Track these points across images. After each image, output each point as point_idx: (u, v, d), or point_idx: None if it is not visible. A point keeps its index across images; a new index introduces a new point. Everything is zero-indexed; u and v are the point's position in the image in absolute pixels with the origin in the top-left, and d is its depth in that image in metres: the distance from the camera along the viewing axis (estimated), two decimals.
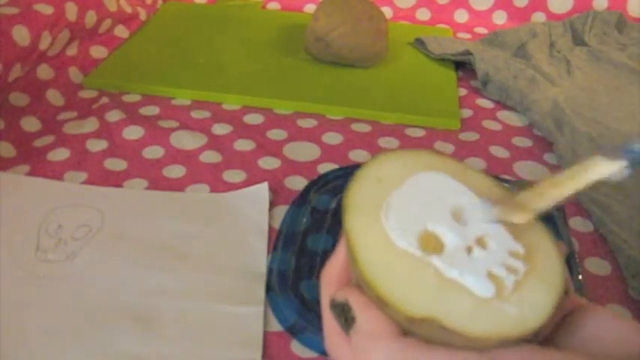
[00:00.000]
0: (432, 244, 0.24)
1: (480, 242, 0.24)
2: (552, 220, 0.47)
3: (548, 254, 0.25)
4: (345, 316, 0.24)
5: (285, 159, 0.57)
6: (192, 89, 0.66)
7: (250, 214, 0.49)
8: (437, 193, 0.26)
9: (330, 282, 0.27)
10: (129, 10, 0.78)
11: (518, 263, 0.24)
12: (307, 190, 0.51)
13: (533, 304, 0.23)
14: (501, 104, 0.68)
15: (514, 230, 0.25)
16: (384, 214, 0.25)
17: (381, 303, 0.23)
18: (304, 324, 0.39)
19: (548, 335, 0.24)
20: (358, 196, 0.25)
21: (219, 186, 0.53)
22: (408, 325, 0.22)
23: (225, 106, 0.65)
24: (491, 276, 0.23)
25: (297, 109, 0.65)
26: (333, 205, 0.50)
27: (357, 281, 0.25)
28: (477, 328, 0.22)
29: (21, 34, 0.59)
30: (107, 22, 0.73)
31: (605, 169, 0.23)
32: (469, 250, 0.24)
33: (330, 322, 0.26)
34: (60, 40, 0.65)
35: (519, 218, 0.25)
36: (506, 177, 0.54)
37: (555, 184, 0.24)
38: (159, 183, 0.53)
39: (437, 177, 0.26)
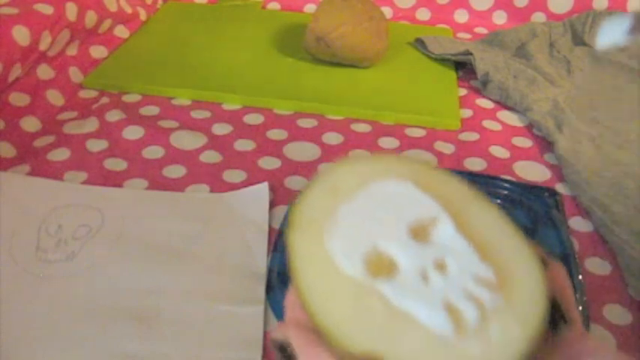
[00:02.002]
0: (383, 266, 0.21)
1: (440, 266, 0.21)
2: (552, 220, 0.47)
3: (527, 278, 0.20)
4: (285, 355, 0.21)
5: (285, 159, 0.57)
6: (192, 89, 0.66)
7: (250, 214, 0.49)
8: (395, 206, 0.22)
9: (292, 305, 0.23)
10: (129, 10, 0.78)
11: (484, 291, 0.20)
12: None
13: (503, 342, 0.19)
14: (501, 104, 0.68)
15: (486, 249, 0.21)
16: (329, 230, 0.21)
17: (322, 336, 0.20)
18: None
19: None
20: (306, 211, 0.22)
21: (219, 186, 0.53)
22: None
23: (225, 106, 0.65)
24: (448, 307, 0.19)
25: (297, 109, 0.65)
26: None
27: None
28: None
29: (21, 34, 0.59)
30: (107, 22, 0.73)
31: None
32: (425, 274, 0.20)
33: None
34: (60, 40, 0.65)
35: None
36: (507, 177, 0.54)
37: None
38: (159, 183, 0.53)
39: (398, 185, 0.23)
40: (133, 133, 0.59)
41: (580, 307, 0.41)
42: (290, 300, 0.24)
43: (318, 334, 0.20)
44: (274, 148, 0.58)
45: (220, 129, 0.60)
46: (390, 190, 0.22)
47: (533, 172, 0.57)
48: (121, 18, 0.76)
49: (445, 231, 0.21)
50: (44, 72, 0.64)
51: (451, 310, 0.19)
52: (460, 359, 0.18)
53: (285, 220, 0.48)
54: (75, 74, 0.67)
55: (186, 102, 0.65)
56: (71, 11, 0.65)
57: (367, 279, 0.20)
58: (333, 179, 0.23)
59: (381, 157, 0.24)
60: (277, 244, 0.46)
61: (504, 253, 0.21)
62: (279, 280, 0.43)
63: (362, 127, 0.62)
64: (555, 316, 0.21)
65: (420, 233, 0.21)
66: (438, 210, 0.22)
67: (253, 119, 0.63)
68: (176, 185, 0.53)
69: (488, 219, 0.22)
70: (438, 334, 0.19)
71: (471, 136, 0.61)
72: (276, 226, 0.48)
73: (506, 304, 0.20)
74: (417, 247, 0.21)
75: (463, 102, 0.68)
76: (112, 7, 0.73)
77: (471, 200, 0.23)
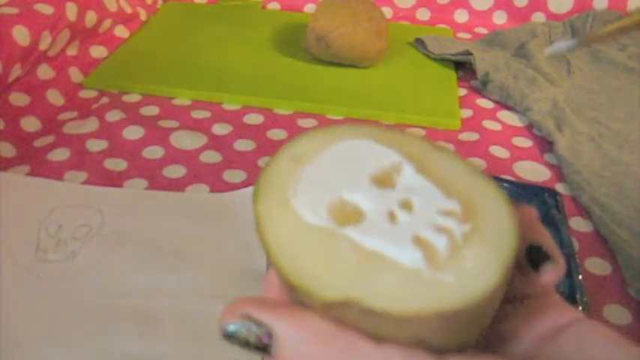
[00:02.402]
0: (350, 215, 0.20)
1: (406, 205, 0.20)
2: (552, 220, 0.47)
3: (495, 211, 0.20)
4: (253, 338, 0.19)
5: None
6: (192, 89, 0.66)
7: (250, 214, 0.48)
8: (357, 160, 0.22)
9: (267, 286, 0.22)
10: (129, 10, 0.78)
11: (452, 222, 0.20)
12: None
13: (477, 269, 0.19)
14: (501, 104, 0.68)
15: (449, 186, 0.21)
16: (293, 190, 0.21)
17: (294, 291, 0.19)
18: None
19: (535, 349, 0.21)
20: (270, 179, 0.22)
21: (219, 186, 0.53)
22: (327, 313, 0.19)
23: (225, 106, 0.65)
24: (418, 241, 0.19)
25: (297, 109, 0.65)
26: None
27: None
28: (406, 305, 0.18)
29: (21, 34, 0.59)
30: (107, 22, 0.73)
31: None
32: (392, 216, 0.20)
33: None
34: (60, 40, 0.65)
35: None
36: (507, 177, 0.54)
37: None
38: (159, 183, 0.53)
39: (359, 143, 0.23)
40: (133, 133, 0.59)
41: (580, 307, 0.41)
42: (266, 282, 0.22)
43: (289, 293, 0.20)
44: (274, 148, 0.58)
45: (220, 129, 0.60)
46: (352, 148, 0.22)
47: (533, 172, 0.57)
48: (121, 18, 0.76)
49: (408, 175, 0.21)
50: (44, 72, 0.64)
51: (421, 243, 0.19)
52: (436, 290, 0.18)
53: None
54: (75, 74, 0.67)
55: (186, 102, 0.65)
56: (71, 11, 0.65)
57: (334, 227, 0.20)
58: (296, 149, 0.23)
59: (343, 125, 0.24)
60: None
61: (469, 190, 0.21)
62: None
63: None
64: (537, 257, 0.21)
65: (383, 181, 0.21)
66: (400, 159, 0.22)
67: (253, 119, 0.63)
68: (176, 185, 0.53)
69: (450, 163, 0.22)
70: (412, 269, 0.19)
71: (471, 136, 0.61)
72: None
73: (475, 233, 0.20)
74: (381, 192, 0.21)
75: (463, 102, 0.68)
76: (112, 7, 0.73)
77: (431, 150, 0.23)
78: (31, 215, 0.47)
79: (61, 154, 0.55)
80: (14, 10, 0.60)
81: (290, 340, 0.18)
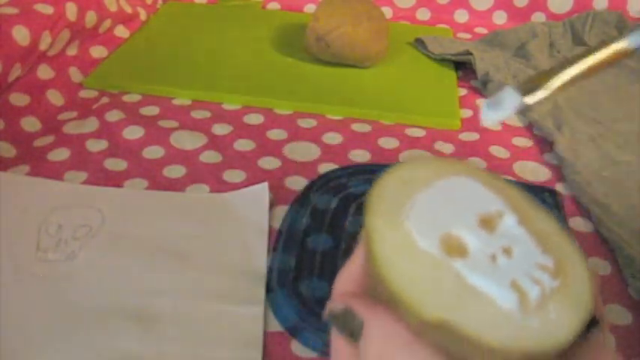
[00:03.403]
0: (455, 248, 0.23)
1: (507, 251, 0.23)
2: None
3: (578, 273, 0.23)
4: (348, 325, 0.23)
5: (285, 159, 0.57)
6: (192, 89, 0.66)
7: (250, 214, 0.49)
8: (465, 198, 0.25)
9: (343, 281, 0.25)
10: (129, 10, 0.78)
11: (545, 276, 0.22)
12: (307, 190, 0.51)
13: (559, 321, 0.21)
14: None
15: (545, 243, 0.24)
16: (407, 214, 0.24)
17: (394, 303, 0.22)
18: (304, 324, 0.40)
19: None
20: (382, 196, 0.25)
21: (219, 186, 0.53)
22: (421, 329, 0.21)
23: (225, 106, 0.65)
24: (515, 286, 0.22)
25: (297, 109, 0.65)
26: (334, 205, 0.50)
27: (371, 286, 0.24)
28: (495, 339, 0.20)
29: (21, 34, 0.59)
30: (107, 22, 0.73)
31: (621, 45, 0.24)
32: (494, 258, 0.23)
33: (338, 342, 0.24)
34: (60, 40, 0.65)
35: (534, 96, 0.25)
36: (507, 177, 0.55)
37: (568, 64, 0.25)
38: (159, 183, 0.53)
39: (467, 182, 0.25)
40: (133, 133, 0.59)
41: None
42: (342, 277, 0.25)
43: (385, 303, 0.22)
44: (274, 148, 0.58)
45: (220, 129, 0.60)
46: (461, 185, 0.25)
47: (533, 172, 0.57)
48: (121, 18, 0.76)
49: (510, 224, 0.24)
50: (44, 72, 0.64)
51: (517, 289, 0.22)
52: (522, 332, 0.21)
53: (285, 221, 0.48)
54: (75, 74, 0.67)
55: (186, 102, 0.65)
56: (71, 11, 0.65)
57: (442, 255, 0.23)
58: (405, 172, 0.26)
59: (448, 159, 0.27)
60: (277, 244, 0.46)
61: (560, 250, 0.24)
62: (279, 280, 0.43)
63: (362, 127, 0.62)
64: (589, 320, 0.23)
65: (487, 224, 0.24)
66: (503, 205, 0.25)
67: (253, 119, 0.63)
68: (176, 185, 0.53)
69: (545, 219, 0.25)
70: (505, 308, 0.21)
71: (471, 136, 0.61)
72: (276, 226, 0.48)
73: (561, 289, 0.22)
74: (486, 235, 0.23)
75: (463, 102, 0.68)
76: (112, 7, 0.73)
77: (525, 200, 0.26)
78: (31, 215, 0.47)
79: (61, 154, 0.55)
80: (14, 10, 0.60)
81: (377, 334, 0.22)
